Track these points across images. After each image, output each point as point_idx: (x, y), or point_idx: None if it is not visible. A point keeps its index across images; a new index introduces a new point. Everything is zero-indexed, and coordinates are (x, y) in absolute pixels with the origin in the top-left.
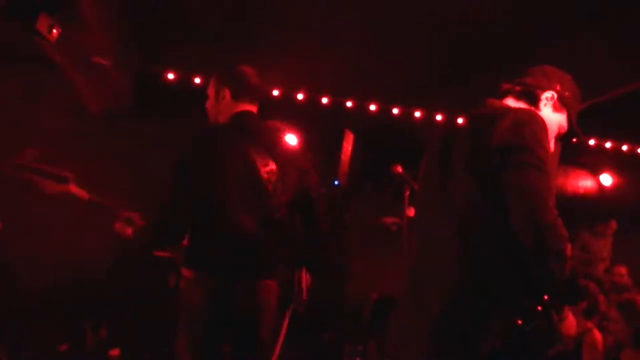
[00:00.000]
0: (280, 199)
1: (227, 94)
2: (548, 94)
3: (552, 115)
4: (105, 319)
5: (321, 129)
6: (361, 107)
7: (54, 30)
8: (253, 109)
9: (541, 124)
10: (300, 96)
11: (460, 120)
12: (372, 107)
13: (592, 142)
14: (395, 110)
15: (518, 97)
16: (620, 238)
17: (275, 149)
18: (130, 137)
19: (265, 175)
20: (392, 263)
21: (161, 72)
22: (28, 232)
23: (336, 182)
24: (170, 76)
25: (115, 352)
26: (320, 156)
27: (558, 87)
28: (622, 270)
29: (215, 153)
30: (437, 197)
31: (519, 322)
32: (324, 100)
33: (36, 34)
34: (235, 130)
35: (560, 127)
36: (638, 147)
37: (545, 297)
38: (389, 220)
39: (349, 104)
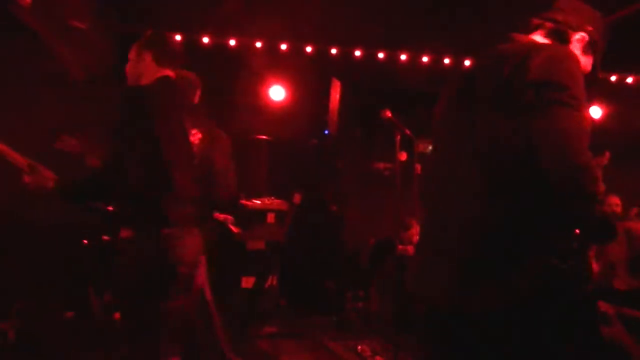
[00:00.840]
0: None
1: (148, 57)
2: (579, 35)
3: (580, 58)
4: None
5: (307, 79)
6: (346, 54)
7: None
8: (172, 75)
9: (578, 62)
10: (283, 46)
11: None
12: (357, 53)
13: None
14: (380, 55)
15: (547, 34)
16: (612, 168)
17: (199, 119)
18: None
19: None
20: (387, 207)
21: (142, 31)
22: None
23: (326, 131)
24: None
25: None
26: (308, 106)
27: (590, 28)
28: (616, 200)
29: (154, 115)
30: (458, 138)
31: (555, 261)
32: (308, 49)
33: (10, 1)
34: (164, 93)
35: (584, 70)
36: (627, 77)
37: (577, 234)
38: (382, 165)
39: (333, 51)
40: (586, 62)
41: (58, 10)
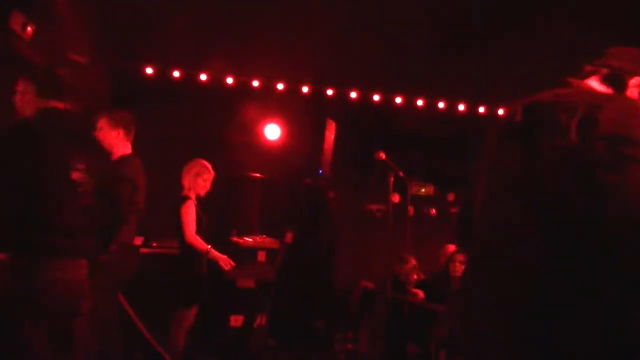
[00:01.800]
0: (87, 188)
1: (32, 89)
2: (635, 80)
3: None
4: None
5: (303, 119)
6: (342, 96)
7: (28, 28)
8: (60, 105)
9: None
10: (280, 86)
11: (461, 107)
12: (353, 95)
13: None
14: (375, 97)
15: (603, 80)
16: None
17: (85, 148)
18: None
19: (76, 173)
20: (379, 249)
21: (139, 66)
22: None
23: (320, 171)
24: (149, 70)
25: None
26: (303, 146)
27: None
28: None
29: (28, 146)
30: (514, 188)
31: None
32: (305, 89)
33: (10, 32)
34: (42, 125)
35: None
36: None
37: None
38: (374, 206)
39: (329, 92)
40: None
41: (57, 43)
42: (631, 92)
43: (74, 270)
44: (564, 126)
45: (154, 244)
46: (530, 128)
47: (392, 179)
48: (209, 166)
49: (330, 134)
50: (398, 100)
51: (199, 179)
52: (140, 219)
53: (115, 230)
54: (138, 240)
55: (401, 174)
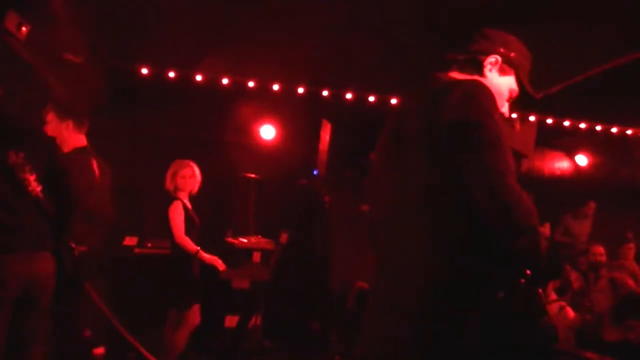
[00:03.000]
0: (29, 178)
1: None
2: (491, 58)
3: (499, 80)
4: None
5: (298, 120)
6: (337, 97)
7: (23, 28)
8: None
9: (488, 94)
10: (275, 87)
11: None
12: (348, 96)
13: (566, 123)
14: (371, 98)
15: (463, 66)
16: (597, 217)
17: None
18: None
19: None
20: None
21: (134, 67)
22: None
23: (315, 172)
24: (144, 71)
25: (99, 350)
26: (298, 146)
27: (502, 49)
28: (600, 249)
29: None
30: (394, 183)
31: (501, 295)
32: (300, 90)
33: (5, 32)
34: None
35: (511, 91)
36: (611, 127)
37: (525, 271)
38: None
39: (325, 93)
40: (509, 81)
41: (53, 44)
42: (489, 69)
43: (27, 263)
44: (416, 120)
45: (149, 245)
46: (401, 125)
47: None
48: (187, 162)
49: (325, 135)
50: (393, 101)
51: (178, 177)
52: (90, 218)
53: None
54: (132, 241)
55: (373, 173)
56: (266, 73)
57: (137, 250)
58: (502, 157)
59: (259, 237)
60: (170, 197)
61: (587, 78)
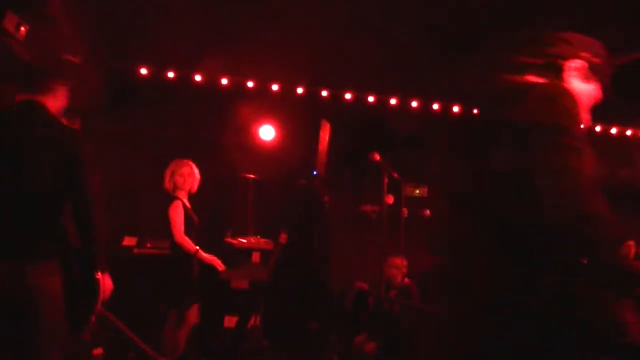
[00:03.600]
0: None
1: None
2: (573, 63)
3: (581, 86)
4: None
5: (297, 120)
6: (336, 97)
7: (22, 29)
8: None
9: (570, 97)
10: (275, 87)
11: (455, 109)
12: (347, 96)
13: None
14: (370, 99)
15: (541, 70)
16: None
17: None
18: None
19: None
20: (372, 250)
21: (133, 67)
22: None
23: (314, 172)
24: (143, 71)
25: (98, 351)
26: (297, 147)
27: (585, 54)
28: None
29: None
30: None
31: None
32: (299, 90)
33: (3, 33)
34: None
35: (593, 97)
36: (611, 128)
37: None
38: (369, 208)
39: (324, 93)
40: (590, 88)
41: (51, 44)
42: (568, 75)
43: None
44: (497, 122)
45: (148, 245)
46: (471, 129)
47: (386, 180)
48: (185, 160)
49: (324, 135)
50: (392, 101)
51: (176, 176)
52: None
53: None
54: (132, 241)
55: (395, 175)
56: (265, 73)
57: (136, 250)
58: (582, 162)
59: (258, 237)
60: (169, 197)
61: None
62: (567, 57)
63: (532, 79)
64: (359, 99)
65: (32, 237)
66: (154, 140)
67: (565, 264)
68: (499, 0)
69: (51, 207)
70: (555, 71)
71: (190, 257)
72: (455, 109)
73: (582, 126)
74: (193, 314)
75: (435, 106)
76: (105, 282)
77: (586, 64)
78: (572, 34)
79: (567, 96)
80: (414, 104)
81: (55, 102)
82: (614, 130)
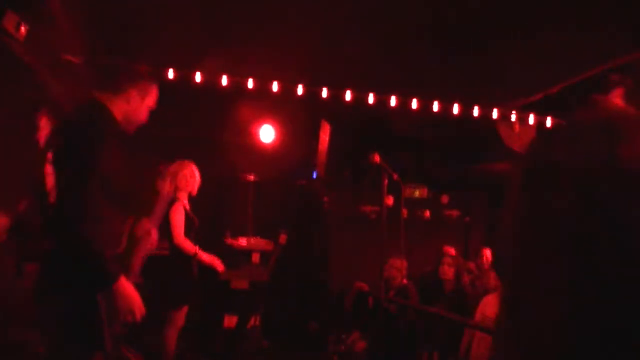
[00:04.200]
0: None
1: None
2: None
3: None
4: None
5: (297, 120)
6: (336, 97)
7: (22, 28)
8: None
9: None
10: (275, 87)
11: (455, 109)
12: (348, 96)
13: None
14: (370, 99)
15: (627, 93)
16: None
17: None
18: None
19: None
20: (372, 251)
21: (134, 67)
22: None
23: (314, 173)
24: None
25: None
26: (297, 147)
27: None
28: None
29: None
30: (536, 225)
31: None
32: (299, 90)
33: (3, 32)
34: None
35: None
36: None
37: None
38: (368, 208)
39: (324, 93)
40: None
41: (52, 44)
42: None
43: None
44: (575, 161)
45: None
46: (550, 165)
47: (386, 181)
48: (187, 162)
49: (324, 136)
50: (393, 101)
51: (178, 177)
52: None
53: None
54: None
55: (395, 176)
56: (265, 73)
57: None
58: None
59: (258, 237)
60: (171, 199)
61: (587, 78)
62: None
63: (619, 101)
64: (359, 99)
65: None
66: (153, 140)
67: None
68: (500, 0)
69: None
70: None
71: (190, 258)
72: (456, 109)
73: None
74: (181, 316)
75: (436, 107)
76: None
77: None
78: None
79: None
80: (414, 104)
81: (126, 105)
82: None
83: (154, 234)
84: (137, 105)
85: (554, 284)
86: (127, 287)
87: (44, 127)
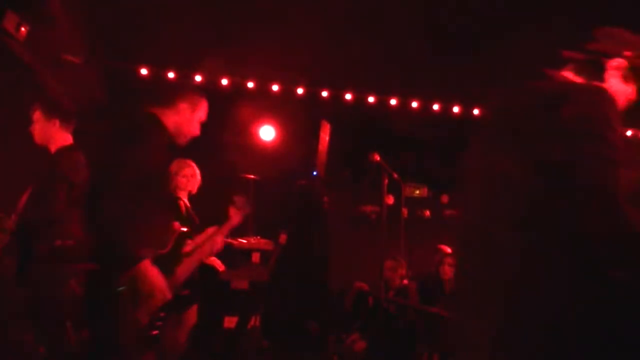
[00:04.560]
0: None
1: None
2: (615, 62)
3: (620, 87)
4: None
5: (297, 121)
6: (337, 97)
7: (22, 29)
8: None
9: (612, 104)
10: (275, 88)
11: (455, 109)
12: (348, 97)
13: None
14: (370, 99)
15: (580, 67)
16: None
17: None
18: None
19: None
20: (372, 250)
21: (133, 67)
22: None
23: (314, 173)
24: (143, 71)
25: None
26: (297, 147)
27: (628, 53)
28: None
29: None
30: (493, 190)
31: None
32: (299, 91)
33: (3, 33)
34: None
35: (629, 100)
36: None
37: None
38: (368, 208)
39: (324, 94)
40: (629, 90)
41: (52, 44)
42: (611, 74)
43: None
44: (525, 126)
45: None
46: (506, 128)
47: (386, 181)
48: (187, 161)
49: (324, 136)
50: (393, 102)
51: (179, 176)
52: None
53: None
54: None
55: (395, 175)
56: (266, 74)
57: None
58: (619, 175)
59: (258, 237)
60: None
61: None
62: (610, 55)
63: (570, 76)
64: (359, 100)
65: None
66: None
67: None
68: (500, 0)
69: None
70: (597, 69)
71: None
72: (456, 109)
73: (619, 135)
74: (191, 315)
75: (436, 106)
76: None
77: (626, 64)
78: (617, 30)
79: (606, 102)
80: (414, 104)
81: (177, 117)
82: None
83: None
84: (188, 117)
85: (505, 239)
86: (150, 270)
87: (38, 121)
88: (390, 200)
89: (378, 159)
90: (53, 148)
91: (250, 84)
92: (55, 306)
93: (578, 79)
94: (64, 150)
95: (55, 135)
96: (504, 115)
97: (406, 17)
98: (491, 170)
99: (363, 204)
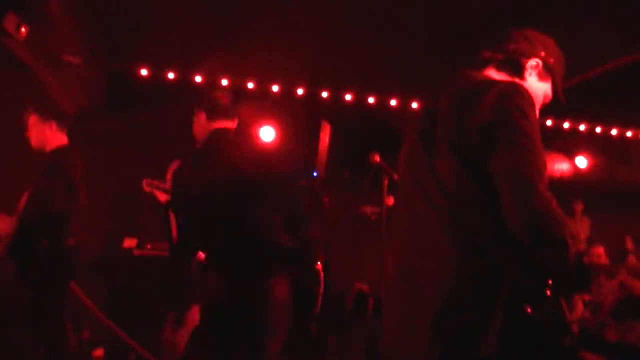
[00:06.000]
0: None
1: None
2: (533, 61)
3: (537, 85)
4: (87, 319)
5: (297, 121)
6: (337, 98)
7: (22, 29)
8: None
9: (528, 97)
10: (275, 88)
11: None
12: (348, 97)
13: (566, 125)
14: (370, 100)
15: (500, 66)
16: (596, 219)
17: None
18: (103, 135)
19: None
20: (372, 251)
21: (133, 68)
22: None
23: (315, 173)
24: (143, 72)
25: (99, 352)
26: (297, 148)
27: (542, 53)
28: (599, 250)
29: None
30: (423, 183)
31: (529, 310)
32: (299, 91)
33: (4, 33)
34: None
35: (545, 96)
36: (611, 129)
37: (550, 281)
38: (369, 209)
39: (324, 94)
40: (545, 87)
41: (52, 45)
42: (529, 73)
43: None
44: (448, 120)
45: (148, 246)
46: (430, 127)
47: (386, 181)
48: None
49: (325, 136)
50: (393, 102)
51: None
52: (85, 214)
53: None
54: (132, 242)
55: (395, 176)
56: (265, 74)
57: (136, 252)
58: (533, 160)
59: None
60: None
61: (587, 79)
62: (527, 55)
63: (491, 74)
64: (359, 100)
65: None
66: (154, 141)
67: (520, 261)
68: (500, 0)
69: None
70: (515, 68)
71: (191, 258)
72: None
73: (535, 125)
74: (193, 315)
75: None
76: None
77: (541, 63)
78: (531, 32)
79: (523, 95)
80: (415, 104)
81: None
82: (614, 132)
83: None
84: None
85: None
86: None
87: (34, 126)
88: (390, 201)
89: (378, 159)
90: (48, 149)
91: (250, 85)
92: (56, 306)
93: (498, 76)
94: (60, 150)
95: (52, 137)
96: (430, 115)
97: (406, 17)
98: (421, 166)
99: (363, 205)
